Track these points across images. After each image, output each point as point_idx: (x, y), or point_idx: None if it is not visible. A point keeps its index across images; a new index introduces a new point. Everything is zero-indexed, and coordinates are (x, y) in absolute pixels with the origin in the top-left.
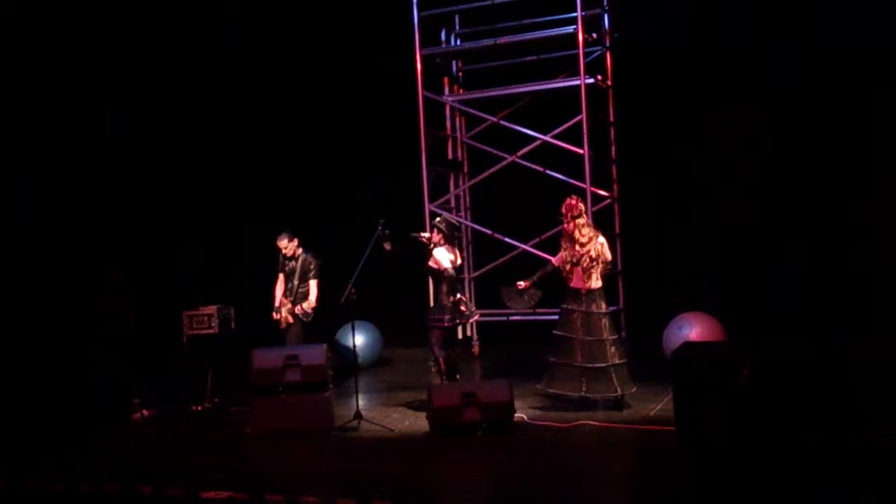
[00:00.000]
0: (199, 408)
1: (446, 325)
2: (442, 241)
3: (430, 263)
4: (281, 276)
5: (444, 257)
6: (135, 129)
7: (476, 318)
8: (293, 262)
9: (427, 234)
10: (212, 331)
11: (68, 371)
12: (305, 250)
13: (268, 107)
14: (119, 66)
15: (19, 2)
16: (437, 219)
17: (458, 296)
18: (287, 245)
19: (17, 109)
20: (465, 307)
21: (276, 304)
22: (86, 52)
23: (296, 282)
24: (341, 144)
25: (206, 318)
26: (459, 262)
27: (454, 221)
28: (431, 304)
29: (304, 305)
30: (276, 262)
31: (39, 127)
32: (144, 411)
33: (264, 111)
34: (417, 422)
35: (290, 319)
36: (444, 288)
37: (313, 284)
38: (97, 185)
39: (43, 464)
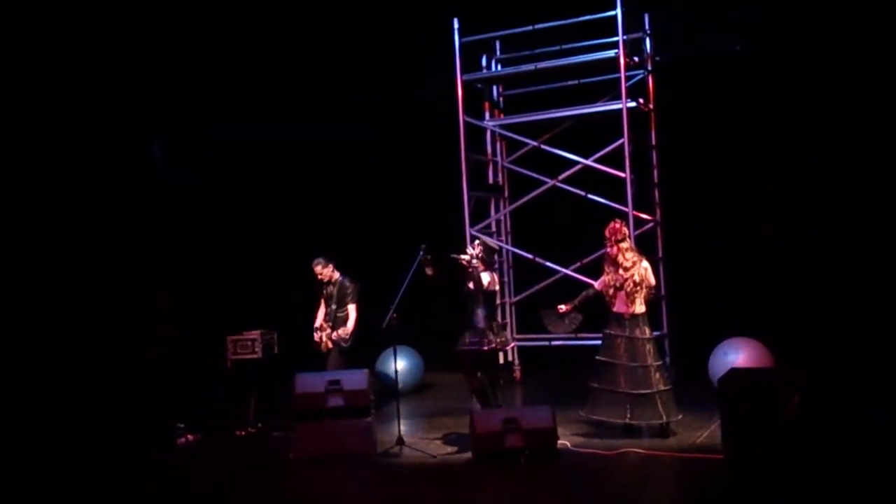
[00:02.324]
0: (243, 432)
1: (485, 348)
2: (481, 266)
3: (470, 285)
4: (323, 301)
5: (484, 279)
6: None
7: (511, 346)
8: (331, 287)
9: (466, 256)
10: (255, 355)
11: (115, 396)
12: (343, 274)
13: (310, 133)
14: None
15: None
16: (476, 241)
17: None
18: (322, 271)
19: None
20: (498, 334)
21: (316, 324)
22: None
23: (334, 306)
24: (383, 169)
25: (249, 343)
26: (497, 287)
27: (493, 245)
28: (468, 328)
29: (341, 332)
30: (317, 285)
31: (85, 152)
32: (189, 436)
33: (306, 137)
34: (460, 448)
35: (330, 345)
36: (481, 311)
37: (351, 309)
38: (141, 212)
39: (90, 488)
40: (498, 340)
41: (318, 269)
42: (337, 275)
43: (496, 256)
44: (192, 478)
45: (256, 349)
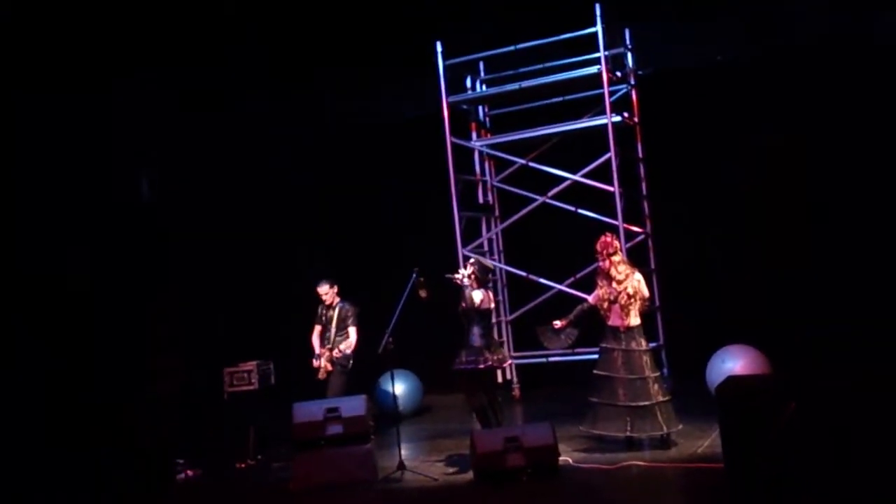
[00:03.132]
0: (243, 465)
1: (481, 366)
2: (475, 285)
3: (463, 304)
4: (318, 327)
5: (476, 297)
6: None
7: (508, 363)
8: (331, 312)
9: (459, 276)
10: (252, 387)
11: (116, 432)
12: (343, 299)
13: (302, 160)
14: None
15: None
16: (471, 260)
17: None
18: (328, 291)
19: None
20: (497, 351)
21: (317, 352)
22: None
23: (333, 330)
24: (372, 194)
25: (246, 375)
26: (492, 306)
27: (488, 264)
28: (464, 347)
29: (343, 346)
30: (312, 314)
31: (82, 186)
32: (189, 471)
33: (298, 164)
34: (461, 469)
35: (330, 368)
36: (476, 330)
37: (352, 331)
38: (140, 245)
39: None
40: (494, 358)
41: (325, 289)
42: (337, 299)
43: (491, 275)
44: None
45: (253, 380)
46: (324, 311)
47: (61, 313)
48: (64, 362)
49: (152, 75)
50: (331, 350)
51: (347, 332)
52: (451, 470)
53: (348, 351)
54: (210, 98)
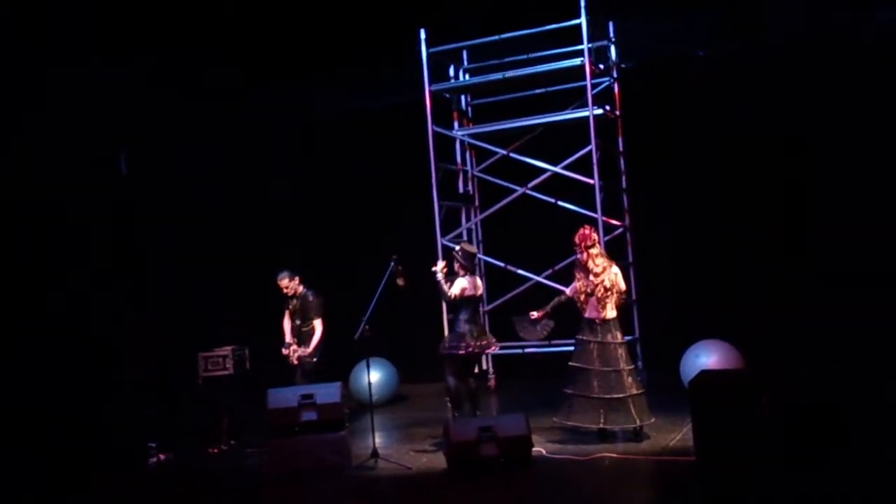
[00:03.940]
0: (216, 450)
1: (461, 352)
2: (461, 272)
3: (450, 295)
4: (287, 311)
5: (457, 286)
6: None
7: (494, 349)
8: (295, 301)
9: (440, 266)
10: (227, 372)
11: (86, 416)
12: (306, 288)
13: (279, 147)
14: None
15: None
16: (456, 248)
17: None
18: (288, 284)
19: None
20: (481, 337)
21: (288, 339)
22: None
23: (298, 321)
24: (353, 180)
25: (221, 360)
26: (478, 292)
27: (472, 249)
28: (447, 332)
29: (300, 352)
30: (283, 299)
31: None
32: (161, 455)
33: (276, 151)
34: (435, 458)
35: (296, 361)
36: (462, 316)
37: (317, 324)
38: (113, 225)
39: None
40: (476, 344)
41: (284, 282)
42: (301, 288)
43: (476, 260)
44: (164, 498)
45: (228, 365)
46: (288, 300)
47: (33, 298)
48: (31, 346)
49: (129, 59)
50: (297, 342)
51: (312, 325)
52: (424, 458)
53: (306, 355)
54: (183, 81)
